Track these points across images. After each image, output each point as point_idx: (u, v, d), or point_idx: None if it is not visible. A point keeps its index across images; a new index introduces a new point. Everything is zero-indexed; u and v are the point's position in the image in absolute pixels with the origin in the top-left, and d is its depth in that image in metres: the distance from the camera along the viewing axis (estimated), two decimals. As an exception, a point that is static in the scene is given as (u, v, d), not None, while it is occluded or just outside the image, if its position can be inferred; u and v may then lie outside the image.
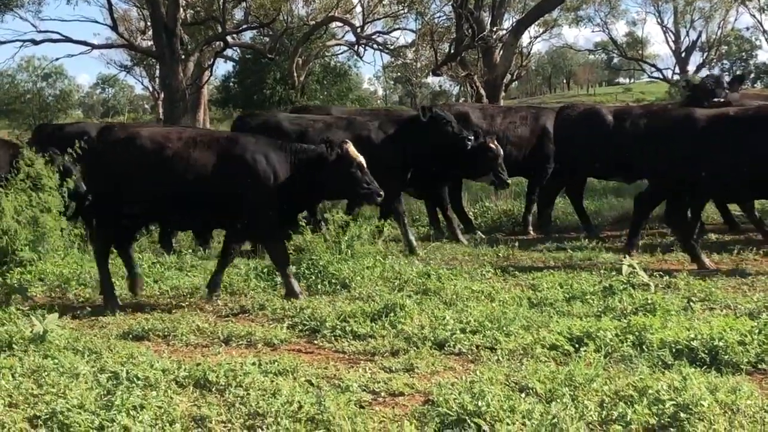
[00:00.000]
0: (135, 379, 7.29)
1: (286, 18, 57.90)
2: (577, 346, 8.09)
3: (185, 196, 11.12)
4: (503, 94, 43.05)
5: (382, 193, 11.51)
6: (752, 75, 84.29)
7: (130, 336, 9.38)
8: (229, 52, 58.79)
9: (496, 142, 15.52)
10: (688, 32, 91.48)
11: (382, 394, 7.15)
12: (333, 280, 11.50)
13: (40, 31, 48.08)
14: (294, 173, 11.26)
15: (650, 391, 6.55)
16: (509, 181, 16.05)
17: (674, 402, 6.30)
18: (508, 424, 6.17)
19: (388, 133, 15.02)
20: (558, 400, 6.53)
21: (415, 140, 14.80)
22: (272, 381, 7.33)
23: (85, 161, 12.13)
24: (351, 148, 11.39)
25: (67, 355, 8.19)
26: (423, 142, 14.75)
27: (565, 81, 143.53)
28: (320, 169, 11.26)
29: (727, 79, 16.10)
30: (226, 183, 11.08)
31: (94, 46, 51.98)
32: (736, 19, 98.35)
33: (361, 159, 11.39)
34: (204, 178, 11.06)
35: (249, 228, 11.50)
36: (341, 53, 72.91)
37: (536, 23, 60.12)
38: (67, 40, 46.28)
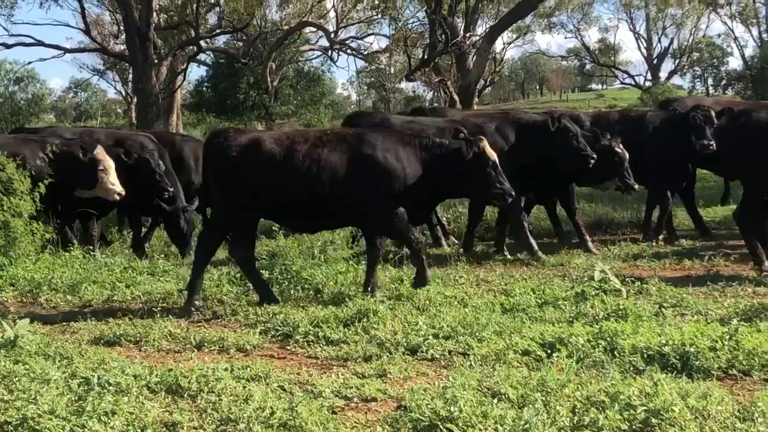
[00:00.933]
0: (106, 384, 7.25)
1: (259, 23, 58.06)
2: (549, 351, 8.11)
3: (314, 196, 11.04)
4: (476, 99, 43.17)
5: (513, 193, 11.48)
6: (723, 82, 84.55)
7: (102, 341, 9.32)
8: (202, 56, 58.72)
9: (621, 146, 14.85)
10: (660, 39, 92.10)
11: (355, 399, 7.14)
12: (306, 286, 11.48)
13: (12, 35, 47.92)
14: (424, 169, 11.20)
15: (622, 397, 6.55)
16: (636, 186, 15.22)
17: (645, 407, 6.31)
18: (480, 429, 6.17)
19: (506, 137, 14.46)
20: (530, 406, 6.53)
21: (537, 147, 14.20)
22: (244, 387, 7.32)
23: (211, 166, 11.88)
24: (487, 146, 11.26)
25: (38, 360, 8.14)
26: (545, 150, 14.17)
27: (538, 87, 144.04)
28: (454, 165, 11.16)
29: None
30: (356, 181, 11.02)
31: (66, 50, 51.92)
32: (707, 26, 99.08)
33: (495, 157, 11.30)
34: (333, 177, 11.01)
35: (377, 225, 11.43)
36: (315, 58, 73.18)
37: (509, 29, 60.39)
38: (40, 44, 46.08)
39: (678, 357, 7.70)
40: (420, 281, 11.23)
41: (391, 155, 11.13)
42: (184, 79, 55.55)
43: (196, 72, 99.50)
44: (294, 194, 11.10)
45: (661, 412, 6.23)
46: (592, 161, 13.99)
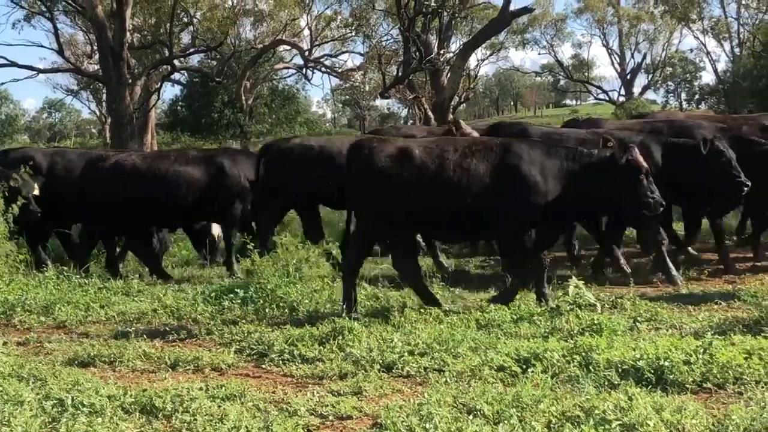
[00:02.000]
0: (80, 405, 7.21)
1: (233, 41, 57.99)
2: (524, 367, 8.12)
3: (460, 206, 10.96)
4: (451, 116, 43.19)
5: (664, 203, 11.29)
6: (696, 96, 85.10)
7: (76, 362, 9.25)
8: (176, 75, 58.69)
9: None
10: (633, 54, 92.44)
11: (330, 417, 7.13)
12: (281, 304, 11.44)
13: (-16, 56, 47.62)
14: (568, 180, 11.07)
15: (597, 411, 6.58)
16: None
17: (620, 422, 6.33)
18: (455, 446, 6.17)
19: (651, 153, 13.39)
20: (505, 422, 6.54)
21: (681, 167, 13.45)
22: (219, 406, 7.29)
23: (355, 178, 11.78)
24: (638, 154, 11.08)
25: (11, 382, 8.06)
26: (689, 171, 13.41)
27: (512, 103, 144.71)
28: (605, 174, 11.03)
29: None
30: (499, 191, 10.93)
31: (40, 71, 51.70)
32: (680, 41, 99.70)
33: (646, 166, 11.14)
34: (480, 187, 10.92)
35: (501, 237, 11.55)
36: (289, 76, 73.22)
37: (483, 46, 60.51)
38: (13, 64, 45.83)
39: (653, 371, 7.71)
40: (502, 299, 11.19)
41: (536, 166, 10.99)
42: (159, 99, 55.47)
43: (170, 91, 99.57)
44: (440, 204, 11.04)
45: (636, 426, 6.26)
46: (746, 188, 13.09)
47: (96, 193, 15.54)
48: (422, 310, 10.88)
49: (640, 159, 11.07)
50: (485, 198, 10.92)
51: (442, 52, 42.80)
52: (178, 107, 71.59)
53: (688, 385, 7.51)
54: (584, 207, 11.56)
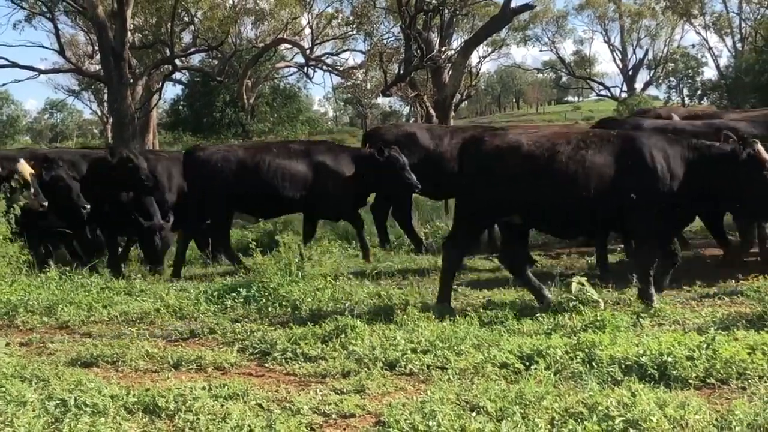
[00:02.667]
0: (83, 406, 7.20)
1: (234, 40, 58.11)
2: (527, 364, 8.10)
3: (576, 200, 10.87)
4: (453, 113, 43.19)
5: None
6: (698, 92, 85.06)
7: (79, 363, 9.23)
8: (177, 75, 58.86)
9: None
10: (635, 50, 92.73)
11: (333, 416, 7.12)
12: (284, 303, 11.43)
13: (-15, 57, 47.67)
14: (691, 172, 10.86)
15: (600, 408, 6.56)
16: None
17: (623, 418, 6.32)
18: (458, 443, 6.17)
19: None
20: (508, 419, 6.53)
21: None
22: (222, 405, 7.28)
23: (465, 172, 11.69)
24: (761, 148, 10.84)
25: (14, 382, 8.03)
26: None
27: (514, 100, 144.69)
28: (726, 167, 10.82)
29: None
30: (621, 183, 10.79)
31: (41, 71, 51.79)
32: (682, 37, 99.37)
33: None
34: (599, 180, 10.79)
35: (630, 229, 11.42)
36: (290, 75, 73.22)
37: (485, 43, 60.58)
38: (14, 65, 45.93)
39: (656, 367, 7.70)
40: (644, 298, 10.90)
41: (659, 156, 10.83)
42: (160, 98, 55.46)
43: (171, 91, 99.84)
44: (554, 199, 10.98)
45: (639, 423, 6.24)
46: None
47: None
48: (425, 308, 10.86)
49: (764, 153, 10.81)
50: (607, 191, 10.81)
51: (443, 49, 42.78)
52: (180, 107, 71.56)
53: (691, 381, 7.49)
54: (704, 201, 11.44)
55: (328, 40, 63.42)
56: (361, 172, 16.26)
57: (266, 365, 8.97)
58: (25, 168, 13.83)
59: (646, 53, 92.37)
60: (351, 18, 59.00)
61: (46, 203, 14.33)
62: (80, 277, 13.45)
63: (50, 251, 16.47)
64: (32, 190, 14.04)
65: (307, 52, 54.82)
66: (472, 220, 11.67)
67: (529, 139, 11.32)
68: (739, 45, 77.31)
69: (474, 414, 6.73)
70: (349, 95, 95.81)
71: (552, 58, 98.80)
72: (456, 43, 55.61)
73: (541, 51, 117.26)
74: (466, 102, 69.44)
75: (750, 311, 9.97)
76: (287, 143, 18.78)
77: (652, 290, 10.92)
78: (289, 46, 60.26)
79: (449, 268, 11.62)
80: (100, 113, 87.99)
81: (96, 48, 47.42)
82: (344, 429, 6.88)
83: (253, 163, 16.07)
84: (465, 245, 11.94)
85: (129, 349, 9.51)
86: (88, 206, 14.72)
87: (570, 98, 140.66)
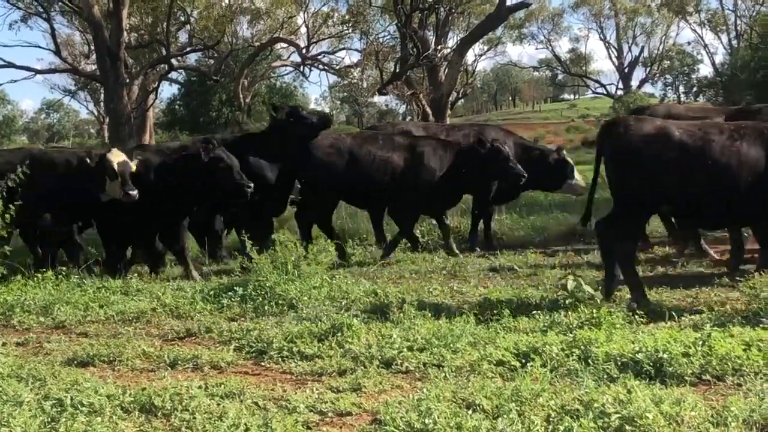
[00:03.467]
0: (80, 405, 7.19)
1: (230, 40, 58.10)
2: (523, 361, 8.10)
3: (727, 191, 10.80)
4: (449, 112, 43.26)
5: None
6: (694, 89, 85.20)
7: (75, 362, 9.22)
8: (174, 74, 58.79)
9: None
10: (630, 48, 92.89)
11: (330, 414, 7.11)
12: (280, 301, 11.42)
13: (-18, 58, 47.66)
14: None
15: (596, 405, 6.57)
16: None
17: (619, 415, 6.32)
18: (455, 440, 6.17)
19: None
20: (504, 416, 6.53)
21: None
22: (219, 404, 7.28)
23: (609, 158, 11.51)
24: None
25: (10, 382, 8.04)
26: None
27: (510, 98, 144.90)
28: None
29: None
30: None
31: (37, 71, 51.88)
32: (677, 34, 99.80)
33: None
34: (752, 172, 10.71)
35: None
36: (287, 74, 73.40)
37: (480, 41, 60.70)
38: (10, 65, 45.96)
39: (651, 364, 7.71)
40: None
41: None
42: (156, 98, 55.65)
43: (168, 90, 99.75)
44: (702, 189, 10.85)
45: (635, 419, 6.24)
46: None
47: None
48: (421, 306, 10.86)
49: None
50: (755, 183, 10.74)
51: (439, 48, 42.94)
52: (176, 106, 71.73)
53: (687, 378, 7.50)
54: None
55: (324, 39, 63.52)
56: (461, 165, 16.18)
57: (263, 364, 8.96)
58: (116, 157, 13.65)
59: (642, 51, 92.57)
60: (347, 17, 59.12)
61: (134, 193, 13.94)
62: (76, 277, 13.43)
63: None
64: (119, 180, 13.78)
65: (303, 51, 54.93)
66: (625, 207, 11.38)
67: (677, 125, 11.24)
68: (734, 42, 77.59)
69: (470, 411, 6.73)
70: (345, 94, 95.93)
71: (548, 56, 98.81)
72: (452, 41, 55.79)
73: (537, 49, 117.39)
74: (462, 100, 69.30)
75: (745, 308, 9.98)
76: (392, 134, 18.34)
77: None
78: (285, 45, 60.43)
79: (627, 268, 11.34)
80: (96, 113, 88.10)
81: (92, 48, 47.48)
82: (340, 427, 6.88)
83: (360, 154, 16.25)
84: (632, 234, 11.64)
85: (125, 348, 9.49)
86: (252, 185, 14.38)
87: (566, 96, 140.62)
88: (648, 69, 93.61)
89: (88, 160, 14.03)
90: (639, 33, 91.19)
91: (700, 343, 8.00)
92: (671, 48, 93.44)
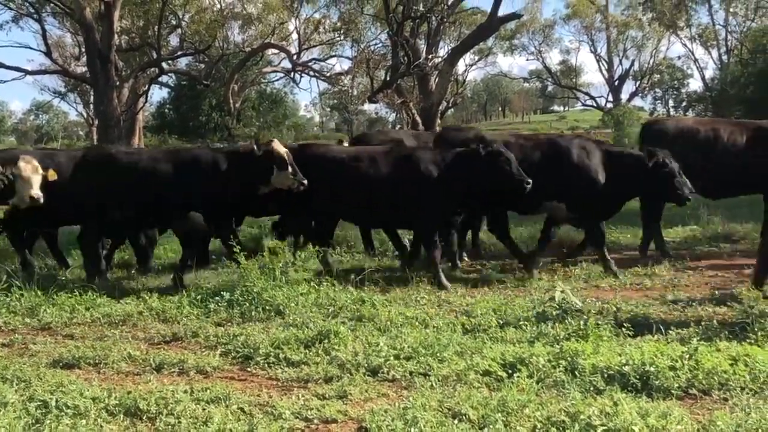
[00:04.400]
0: (64, 407, 7.20)
1: (221, 44, 58.06)
2: (510, 371, 8.10)
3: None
4: (439, 121, 43.28)
5: None
6: (684, 103, 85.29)
7: (60, 364, 9.22)
8: (164, 78, 58.70)
9: None
10: (621, 61, 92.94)
11: (315, 421, 7.11)
12: (267, 307, 11.40)
13: (-29, 58, 47.56)
14: None
15: (582, 417, 6.57)
16: None
17: (605, 427, 6.33)
18: (440, 450, 6.17)
19: None
20: (490, 426, 6.54)
21: None
22: (204, 409, 7.28)
23: None
24: None
25: (-5, 383, 8.06)
26: None
27: (500, 108, 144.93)
28: None
29: None
30: None
31: (27, 72, 51.60)
32: (668, 48, 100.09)
33: None
34: None
35: None
36: (277, 80, 73.26)
37: (471, 51, 60.78)
38: (0, 66, 45.78)
39: (638, 377, 7.73)
40: None
41: None
42: (146, 101, 55.48)
43: (158, 94, 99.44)
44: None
45: (621, 432, 6.25)
46: None
47: None
48: (408, 314, 10.83)
49: None
50: None
51: (430, 57, 42.93)
52: (166, 110, 71.52)
53: (673, 391, 7.52)
54: None
55: (315, 46, 63.57)
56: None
57: (249, 369, 8.94)
58: (280, 147, 13.60)
59: (632, 64, 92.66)
60: (338, 24, 59.21)
61: (305, 182, 13.77)
62: (62, 278, 13.38)
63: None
64: (289, 170, 13.69)
65: (294, 57, 54.93)
66: None
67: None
68: (724, 57, 77.59)
69: (456, 421, 6.74)
70: (335, 101, 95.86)
71: (538, 68, 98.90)
72: (443, 50, 55.78)
73: (527, 60, 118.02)
74: (452, 109, 69.42)
75: (733, 322, 9.97)
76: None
77: None
78: (276, 51, 60.44)
79: None
80: (85, 115, 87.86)
81: (83, 50, 47.50)
82: (326, 434, 6.88)
83: None
84: None
85: (111, 351, 9.49)
86: (530, 182, 13.58)
87: (556, 108, 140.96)
88: (638, 82, 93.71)
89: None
90: (630, 46, 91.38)
91: (687, 356, 8.02)
92: (661, 62, 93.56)
